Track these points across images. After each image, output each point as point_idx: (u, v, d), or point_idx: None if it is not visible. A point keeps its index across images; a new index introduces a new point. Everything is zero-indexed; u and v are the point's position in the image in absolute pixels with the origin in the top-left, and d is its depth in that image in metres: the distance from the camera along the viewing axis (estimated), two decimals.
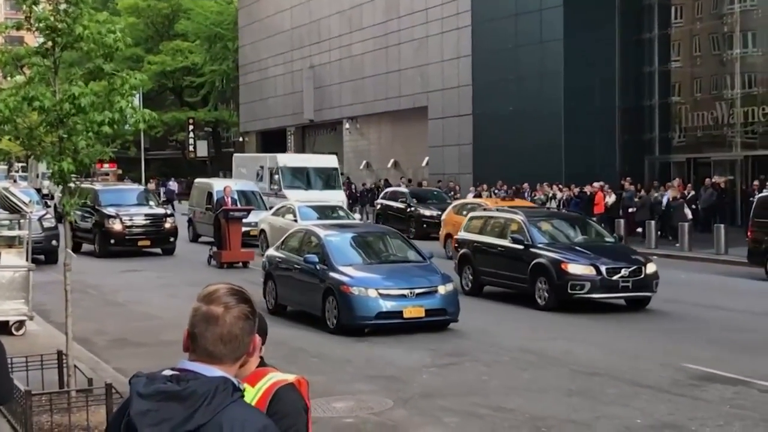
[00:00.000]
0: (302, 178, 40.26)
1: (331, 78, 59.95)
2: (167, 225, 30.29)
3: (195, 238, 34.89)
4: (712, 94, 39.94)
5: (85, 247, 30.09)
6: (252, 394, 4.01)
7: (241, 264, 26.19)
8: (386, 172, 54.82)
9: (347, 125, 60.18)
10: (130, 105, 10.32)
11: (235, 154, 38.78)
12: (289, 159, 43.44)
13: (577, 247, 19.33)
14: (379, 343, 15.36)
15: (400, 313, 15.64)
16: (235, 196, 29.31)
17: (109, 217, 29.49)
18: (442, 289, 16.15)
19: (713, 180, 35.62)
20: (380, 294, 15.70)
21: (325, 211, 29.42)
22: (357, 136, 59.91)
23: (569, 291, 18.20)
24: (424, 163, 51.62)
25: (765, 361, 13.76)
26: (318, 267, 16.64)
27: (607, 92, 41.43)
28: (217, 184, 33.72)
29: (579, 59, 40.50)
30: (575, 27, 40.69)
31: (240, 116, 73.75)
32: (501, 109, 43.86)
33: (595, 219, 27.24)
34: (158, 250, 30.21)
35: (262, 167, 41.95)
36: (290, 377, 4.06)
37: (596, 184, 35.91)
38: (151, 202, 32.21)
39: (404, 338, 15.74)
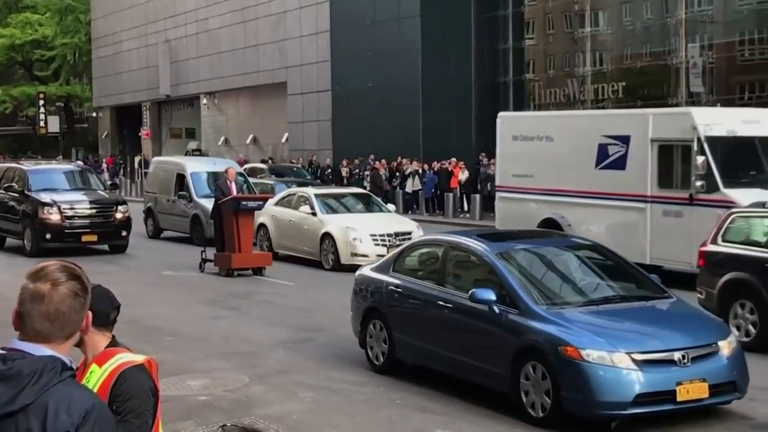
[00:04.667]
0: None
1: (187, 52, 58.99)
2: (119, 215, 23.90)
3: (156, 233, 28.03)
4: (565, 71, 40.94)
5: (10, 242, 24.92)
6: (98, 375, 3.93)
7: (251, 271, 20.22)
8: (245, 148, 54.34)
9: (205, 101, 59.35)
10: None
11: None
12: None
13: None
14: (234, 319, 15.25)
15: (672, 393, 8.97)
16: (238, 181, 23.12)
17: (44, 205, 23.15)
18: (725, 347, 9.55)
19: None
20: (635, 360, 8.97)
21: (351, 202, 23.37)
22: (215, 111, 59.16)
23: None
24: (283, 139, 51.41)
25: None
26: (499, 310, 9.74)
27: (463, 69, 41.96)
28: (191, 165, 27.86)
29: (436, 36, 40.93)
30: (432, 4, 41.10)
31: (93, 91, 71.94)
32: (360, 85, 43.96)
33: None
34: (105, 247, 24.26)
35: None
36: (139, 358, 3.99)
37: (453, 160, 36.45)
38: (96, 186, 25.76)
39: (260, 314, 15.67)
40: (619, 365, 8.87)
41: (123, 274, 20.03)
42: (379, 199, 25.10)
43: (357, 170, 40.59)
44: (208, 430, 8.84)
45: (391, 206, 23.98)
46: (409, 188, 36.82)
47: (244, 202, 19.99)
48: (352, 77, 44.62)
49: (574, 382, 8.92)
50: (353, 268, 19.22)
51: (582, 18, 39.84)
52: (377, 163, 38.39)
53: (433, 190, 36.28)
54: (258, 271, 20.19)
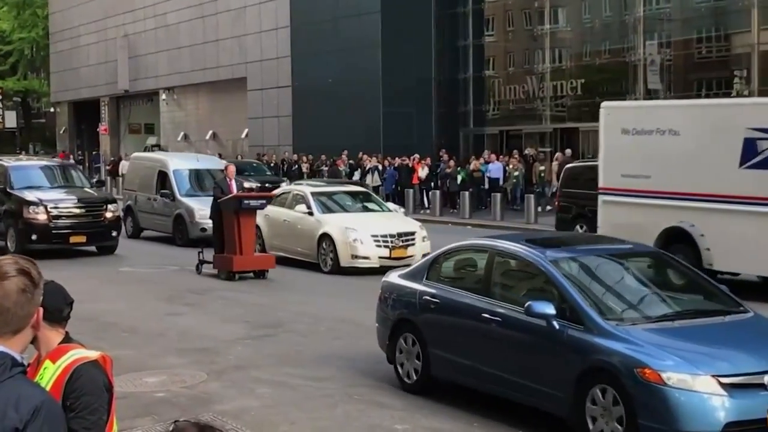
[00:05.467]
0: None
1: (146, 47, 58.60)
2: (108, 214, 22.46)
3: (136, 233, 26.81)
4: (524, 68, 41.15)
5: None
6: (52, 371, 3.90)
7: (252, 274, 19.11)
8: (205, 144, 54.10)
9: (164, 96, 59.02)
10: None
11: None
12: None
13: None
14: (191, 315, 15.18)
15: (763, 422, 7.87)
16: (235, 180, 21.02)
17: (30, 204, 21.80)
18: None
19: (525, 152, 36.75)
20: (722, 384, 7.89)
21: (349, 201, 21.88)
22: (174, 107, 58.83)
23: None
24: (243, 135, 51.23)
25: None
26: (559, 325, 8.63)
27: (423, 65, 42.04)
28: (174, 161, 26.63)
29: (396, 32, 40.97)
30: (392, 0, 41.08)
31: (51, 86, 71.29)
32: (320, 81, 43.90)
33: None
34: (93, 249, 22.92)
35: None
36: (93, 354, 3.97)
37: (415, 156, 36.55)
38: (81, 183, 24.28)
39: (218, 310, 15.62)
40: (705, 390, 7.79)
41: (80, 270, 19.83)
42: (379, 198, 23.63)
43: (316, 165, 40.53)
44: (162, 427, 8.80)
45: (392, 205, 22.54)
46: (369, 184, 36.81)
47: (246, 201, 18.78)
48: (313, 73, 44.55)
49: (654, 409, 7.86)
50: (354, 271, 19.25)
51: (541, 15, 40.06)
52: (340, 159, 38.31)
53: (393, 186, 36.33)
54: (260, 274, 19.05)
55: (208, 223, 22.33)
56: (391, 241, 19.51)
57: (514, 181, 33.61)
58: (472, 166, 34.52)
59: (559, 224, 24.23)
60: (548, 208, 30.81)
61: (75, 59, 66.53)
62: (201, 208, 23.58)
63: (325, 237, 19.85)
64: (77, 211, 22.29)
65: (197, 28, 53.47)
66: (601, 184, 19.46)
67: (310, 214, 20.44)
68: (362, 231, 19.60)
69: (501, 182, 33.81)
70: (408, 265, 18.03)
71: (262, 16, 48.51)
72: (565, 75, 39.08)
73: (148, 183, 26.42)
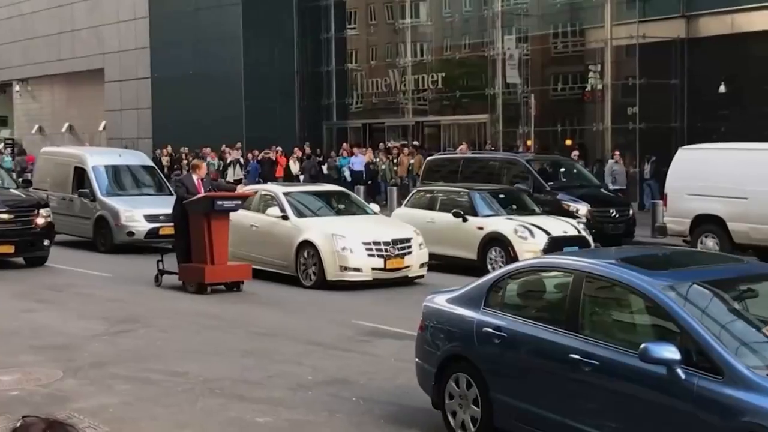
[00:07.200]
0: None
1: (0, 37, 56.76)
2: (40, 220, 19.40)
3: None
4: (386, 61, 41.46)
5: None
6: None
7: (223, 287, 16.63)
8: (61, 137, 52.73)
9: (17, 87, 57.28)
10: None
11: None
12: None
13: None
14: (47, 312, 14.79)
15: None
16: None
17: None
18: None
19: (388, 144, 37.03)
20: None
21: (327, 202, 19.13)
22: (29, 99, 57.17)
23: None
24: (101, 128, 50.18)
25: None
26: (685, 374, 6.44)
27: (286, 57, 41.96)
28: (93, 157, 23.65)
29: (258, 24, 40.77)
30: None
31: None
32: (181, 73, 43.32)
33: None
34: (21, 260, 19.80)
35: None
36: None
37: (277, 149, 36.37)
38: (8, 183, 21.17)
39: (76, 306, 15.26)
40: None
41: None
42: (360, 198, 21.11)
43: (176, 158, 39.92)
44: (10, 423, 8.53)
45: (374, 206, 19.78)
46: (230, 177, 36.49)
47: (219, 202, 16.22)
48: (173, 64, 43.92)
49: None
50: (343, 285, 16.59)
51: (403, 9, 40.43)
52: (213, 153, 37.61)
53: (257, 179, 36.06)
54: (234, 286, 16.62)
55: (137, 227, 21.43)
56: (386, 250, 16.79)
57: (381, 174, 33.82)
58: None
59: None
60: None
61: None
62: (127, 210, 21.86)
63: (306, 245, 16.99)
64: (4, 216, 19.02)
65: (53, 17, 52.08)
66: None
67: (285, 218, 17.66)
68: (352, 238, 16.79)
69: (363, 176, 33.97)
70: (408, 278, 17.19)
71: (119, 6, 47.60)
72: (426, 69, 39.53)
73: (62, 181, 23.69)
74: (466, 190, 19.87)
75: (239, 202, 16.86)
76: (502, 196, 20.37)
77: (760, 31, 28.98)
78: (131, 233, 21.76)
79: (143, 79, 46.26)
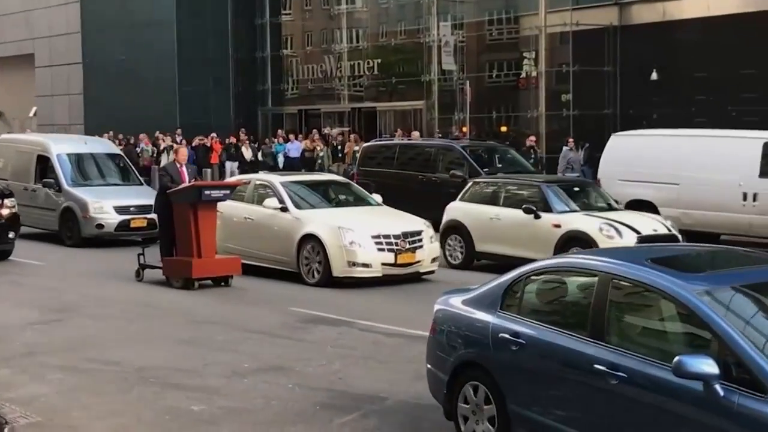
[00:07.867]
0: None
1: None
2: (4, 211, 18.33)
3: None
4: (322, 47, 41.34)
5: None
6: None
7: (211, 281, 15.76)
8: None
9: None
10: None
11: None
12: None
13: None
14: None
15: None
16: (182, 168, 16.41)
17: None
18: None
19: (325, 131, 36.93)
20: None
21: (327, 192, 17.96)
22: None
23: None
24: (31, 114, 49.42)
25: (364, 301, 14.49)
26: (724, 391, 5.74)
27: (220, 43, 41.65)
28: (57, 145, 22.49)
29: (191, 9, 40.51)
30: None
31: None
32: (113, 58, 42.79)
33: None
34: None
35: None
36: None
37: (212, 135, 36.06)
38: None
39: (6, 294, 15.01)
40: None
41: None
42: (363, 189, 19.11)
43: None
44: None
45: (377, 197, 18.13)
46: (164, 163, 36.11)
47: (207, 191, 15.41)
48: (105, 49, 43.39)
49: None
50: (351, 282, 15.50)
51: None
52: (147, 139, 37.00)
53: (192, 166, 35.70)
54: (222, 281, 15.77)
55: (107, 219, 20.65)
56: (396, 243, 15.71)
57: (320, 162, 33.61)
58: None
59: None
60: None
61: None
62: (96, 201, 20.84)
63: (310, 239, 15.88)
64: None
65: None
66: None
67: (284, 209, 16.52)
68: (360, 231, 15.73)
69: (298, 162, 33.79)
70: (419, 274, 16.16)
71: None
72: (362, 55, 39.49)
73: (23, 170, 22.48)
74: (537, 182, 17.62)
75: (228, 191, 15.96)
76: (576, 189, 18.17)
77: (690, 19, 29.43)
78: (100, 226, 20.77)
79: (75, 65, 45.62)
